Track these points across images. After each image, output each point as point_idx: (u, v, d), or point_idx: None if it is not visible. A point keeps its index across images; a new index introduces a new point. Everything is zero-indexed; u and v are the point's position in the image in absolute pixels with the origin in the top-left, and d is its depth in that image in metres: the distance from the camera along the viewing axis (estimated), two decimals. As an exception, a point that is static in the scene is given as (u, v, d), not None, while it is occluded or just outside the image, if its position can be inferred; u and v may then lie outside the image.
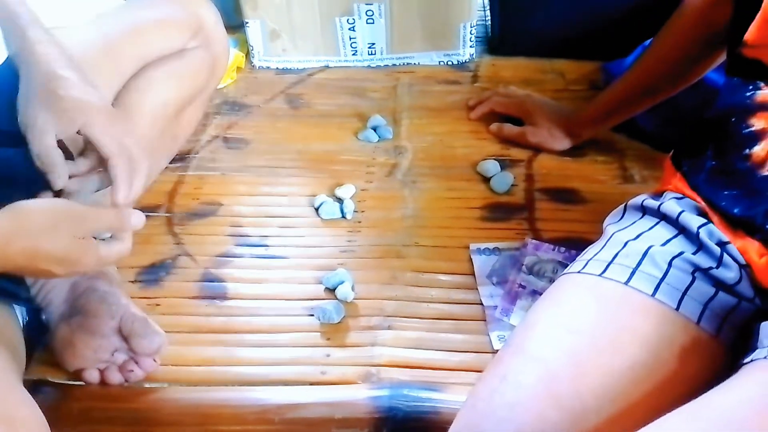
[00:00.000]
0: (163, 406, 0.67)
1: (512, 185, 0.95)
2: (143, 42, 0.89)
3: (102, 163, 0.64)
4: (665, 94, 0.87)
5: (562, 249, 0.83)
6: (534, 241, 0.85)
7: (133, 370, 0.68)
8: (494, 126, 1.04)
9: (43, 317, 0.71)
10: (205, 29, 0.94)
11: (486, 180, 0.96)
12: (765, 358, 0.48)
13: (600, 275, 0.58)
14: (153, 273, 0.82)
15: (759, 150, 0.58)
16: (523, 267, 0.81)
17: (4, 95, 0.69)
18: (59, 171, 0.63)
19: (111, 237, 0.61)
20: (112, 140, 0.64)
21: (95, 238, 0.60)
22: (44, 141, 0.63)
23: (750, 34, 0.58)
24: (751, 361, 0.49)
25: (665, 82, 0.85)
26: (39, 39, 0.68)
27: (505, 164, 0.98)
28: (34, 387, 0.66)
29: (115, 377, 0.68)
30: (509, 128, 1.03)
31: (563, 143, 0.99)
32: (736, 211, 0.60)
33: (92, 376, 0.68)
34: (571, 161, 0.99)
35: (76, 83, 0.65)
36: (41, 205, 0.58)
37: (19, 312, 0.70)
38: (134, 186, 0.64)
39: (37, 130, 0.63)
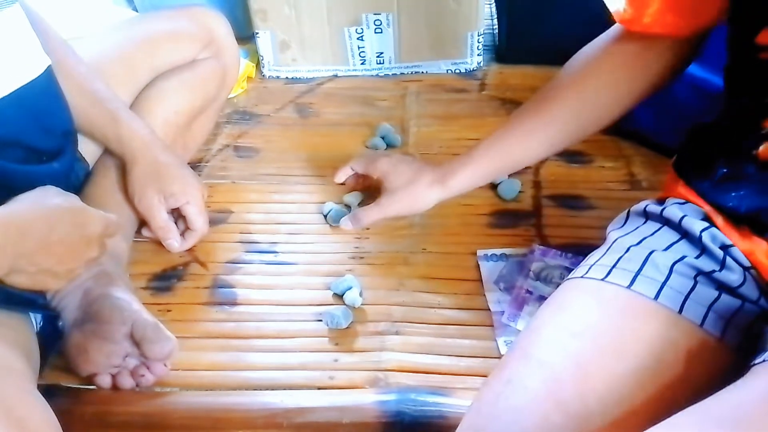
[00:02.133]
0: (173, 410, 0.68)
1: (519, 192, 0.96)
2: (156, 53, 0.91)
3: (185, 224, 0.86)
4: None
5: (570, 255, 0.84)
6: (541, 247, 0.85)
7: (144, 375, 0.69)
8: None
9: (60, 323, 0.72)
10: (216, 40, 0.96)
11: (493, 187, 0.96)
12: None
13: (602, 280, 0.58)
14: (165, 279, 0.83)
15: (764, 148, 0.58)
16: (531, 273, 0.82)
17: (33, 113, 0.71)
18: (176, 236, 0.85)
19: None
20: (201, 219, 0.85)
21: None
22: (162, 216, 0.83)
23: (763, 36, 0.57)
24: (764, 361, 0.49)
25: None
26: (134, 126, 0.82)
27: (512, 171, 0.99)
28: (47, 392, 0.67)
29: (126, 382, 0.69)
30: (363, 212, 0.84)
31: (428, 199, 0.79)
32: (743, 209, 0.60)
33: (104, 380, 0.69)
34: (579, 168, 1.00)
35: (176, 166, 0.84)
36: (61, 196, 0.67)
37: (34, 318, 0.72)
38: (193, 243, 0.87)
39: (155, 209, 0.82)
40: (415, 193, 0.80)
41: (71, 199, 0.68)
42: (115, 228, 0.71)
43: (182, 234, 0.86)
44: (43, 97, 0.74)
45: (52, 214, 0.64)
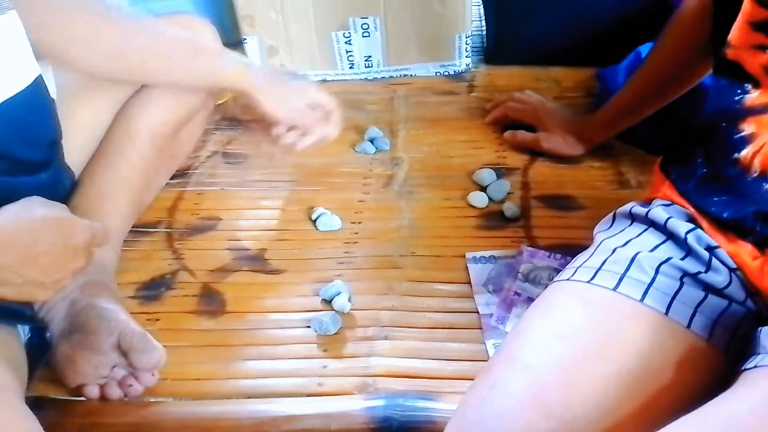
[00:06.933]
0: (162, 419, 0.68)
1: (508, 193, 0.95)
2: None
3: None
4: (673, 94, 0.87)
5: (558, 256, 0.84)
6: (529, 248, 0.85)
7: (132, 385, 0.69)
8: (508, 133, 1.06)
9: (47, 335, 0.72)
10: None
11: (482, 189, 0.96)
12: None
13: (588, 282, 0.58)
14: (153, 288, 0.83)
15: (746, 153, 0.58)
16: (519, 274, 0.82)
17: (18, 126, 0.71)
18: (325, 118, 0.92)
19: None
20: (328, 97, 0.92)
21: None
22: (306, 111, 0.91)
23: (732, 35, 0.58)
24: (755, 367, 0.49)
25: (671, 84, 0.86)
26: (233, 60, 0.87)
27: (501, 173, 0.99)
28: (35, 403, 0.67)
29: (114, 392, 0.69)
30: (522, 135, 1.04)
31: (576, 149, 1.00)
32: (725, 215, 0.60)
33: (92, 391, 0.69)
34: (567, 168, 1.00)
35: (287, 79, 0.91)
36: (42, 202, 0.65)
37: (21, 330, 0.71)
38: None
39: (299, 108, 0.90)
40: (566, 141, 0.99)
41: (57, 209, 0.67)
42: (102, 237, 0.70)
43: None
44: (30, 109, 0.73)
45: (38, 225, 0.64)
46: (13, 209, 0.64)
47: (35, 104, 0.74)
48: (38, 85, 0.74)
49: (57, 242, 0.64)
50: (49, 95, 0.76)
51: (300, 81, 0.94)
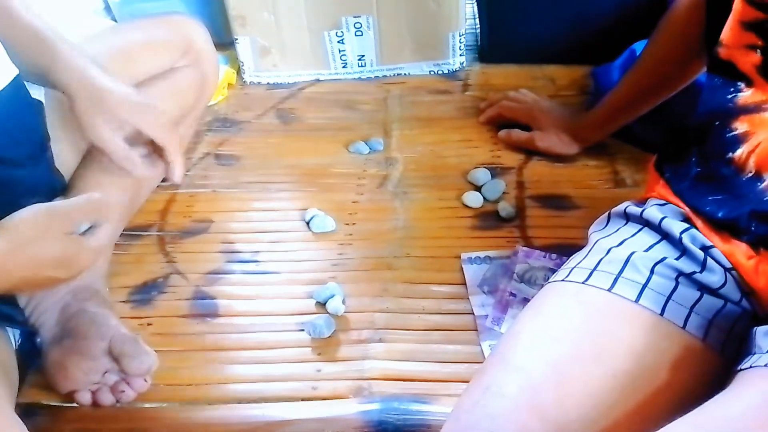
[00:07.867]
0: (154, 425, 0.67)
1: (503, 193, 0.95)
2: (132, 62, 0.89)
3: (155, 149, 0.75)
4: (668, 91, 0.86)
5: (554, 256, 0.83)
6: (525, 248, 0.85)
7: (124, 391, 0.68)
8: (503, 132, 1.05)
9: (38, 340, 0.71)
10: (195, 48, 0.94)
11: (477, 188, 0.96)
12: (766, 365, 0.47)
13: (583, 282, 0.58)
14: (145, 292, 0.82)
15: (741, 153, 0.58)
16: (514, 275, 0.81)
17: (3, 123, 0.69)
18: (135, 161, 0.73)
19: (89, 229, 0.63)
20: (161, 131, 0.74)
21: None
22: (116, 142, 0.71)
23: (724, 34, 0.58)
24: (750, 367, 0.48)
25: (665, 81, 0.85)
26: (70, 54, 0.72)
27: (495, 172, 0.98)
28: (27, 410, 0.66)
29: (106, 398, 0.68)
30: (517, 134, 1.03)
31: (571, 148, 0.99)
32: (720, 215, 0.60)
33: (84, 397, 0.68)
34: (562, 167, 0.99)
35: (117, 91, 0.73)
36: (25, 214, 0.60)
37: (12, 335, 0.70)
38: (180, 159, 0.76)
39: (106, 137, 0.71)
40: (561, 140, 0.98)
41: (71, 246, 0.61)
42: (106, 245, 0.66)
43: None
44: (13, 107, 0.72)
45: (42, 262, 0.60)
46: (28, 231, 0.59)
47: (18, 102, 0.73)
48: (17, 84, 0.72)
49: (53, 274, 0.61)
50: (31, 96, 0.74)
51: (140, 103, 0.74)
